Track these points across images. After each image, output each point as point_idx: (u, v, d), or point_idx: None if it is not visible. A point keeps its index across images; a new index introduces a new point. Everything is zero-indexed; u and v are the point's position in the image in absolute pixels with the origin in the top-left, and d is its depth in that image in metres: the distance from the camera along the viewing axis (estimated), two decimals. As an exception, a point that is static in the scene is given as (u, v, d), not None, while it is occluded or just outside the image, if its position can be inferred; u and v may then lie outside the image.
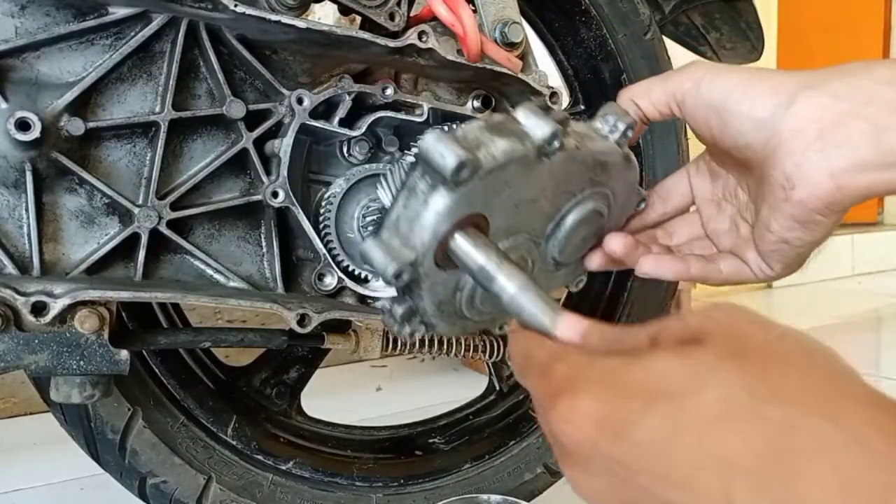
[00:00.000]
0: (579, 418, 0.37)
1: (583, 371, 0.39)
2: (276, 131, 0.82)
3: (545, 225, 0.57)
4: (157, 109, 0.76)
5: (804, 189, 0.52)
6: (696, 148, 1.21)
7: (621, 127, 0.56)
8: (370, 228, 0.84)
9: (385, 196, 0.53)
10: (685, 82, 0.57)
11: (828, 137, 0.51)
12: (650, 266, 0.63)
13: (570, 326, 0.45)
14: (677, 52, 1.26)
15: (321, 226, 0.84)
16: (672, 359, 0.37)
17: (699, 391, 0.34)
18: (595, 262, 0.65)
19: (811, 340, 0.37)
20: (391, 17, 0.84)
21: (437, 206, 0.47)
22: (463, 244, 0.49)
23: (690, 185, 0.66)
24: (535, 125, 0.50)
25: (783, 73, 0.54)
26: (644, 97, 0.60)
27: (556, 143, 0.50)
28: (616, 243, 0.63)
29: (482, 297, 0.55)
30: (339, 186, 0.85)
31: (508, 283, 0.48)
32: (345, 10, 0.85)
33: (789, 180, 0.53)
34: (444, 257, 0.50)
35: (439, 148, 0.46)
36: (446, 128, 0.49)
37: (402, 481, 1.00)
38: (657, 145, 1.11)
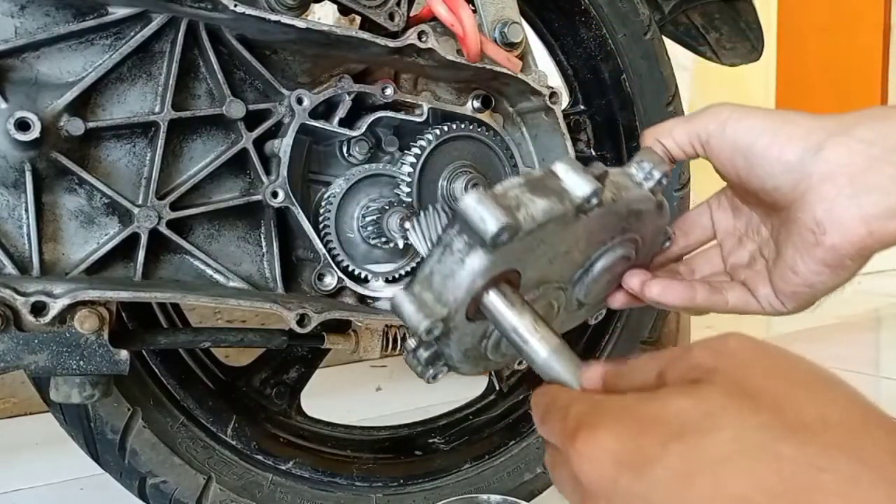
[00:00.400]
0: (600, 454, 0.38)
1: (599, 408, 0.40)
2: (275, 131, 0.82)
3: (574, 272, 0.58)
4: (157, 109, 0.76)
5: (836, 235, 0.53)
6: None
7: (657, 175, 0.56)
8: (370, 229, 0.84)
9: (418, 243, 0.53)
10: (710, 123, 0.58)
11: (858, 183, 0.51)
12: (658, 290, 0.63)
13: (592, 378, 0.46)
14: (677, 52, 1.26)
15: (321, 226, 0.84)
16: (683, 398, 0.37)
17: (714, 430, 0.35)
18: (619, 301, 0.66)
19: (821, 370, 0.37)
20: (391, 17, 0.84)
21: (473, 266, 0.48)
22: (496, 302, 0.50)
23: (712, 220, 0.67)
24: (575, 183, 0.50)
25: (810, 118, 0.55)
26: (668, 137, 0.60)
27: (595, 201, 0.50)
28: (636, 281, 0.63)
29: (508, 344, 0.55)
30: (338, 186, 0.85)
31: (541, 348, 0.48)
32: (344, 10, 0.85)
33: (820, 225, 0.53)
34: (476, 311, 0.50)
35: (479, 211, 0.46)
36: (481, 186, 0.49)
37: (401, 481, 1.00)
38: (657, 145, 1.11)
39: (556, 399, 0.45)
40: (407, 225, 0.53)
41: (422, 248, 0.53)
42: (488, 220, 0.46)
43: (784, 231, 0.57)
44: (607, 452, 0.37)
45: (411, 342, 0.53)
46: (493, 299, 0.50)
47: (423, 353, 0.54)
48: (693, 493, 0.34)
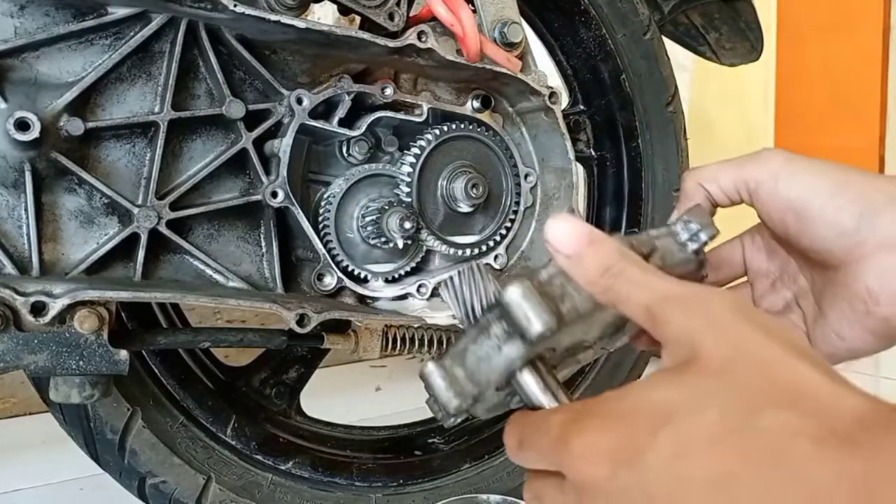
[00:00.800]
0: (593, 454, 0.38)
1: (582, 413, 0.41)
2: (275, 131, 0.82)
3: (606, 332, 0.57)
4: (157, 109, 0.76)
5: (889, 306, 0.51)
6: (695, 146, 1.21)
7: (703, 238, 0.54)
8: (369, 229, 0.84)
9: (451, 304, 0.53)
10: (761, 174, 0.55)
11: None
12: None
13: None
14: (676, 52, 1.26)
15: (320, 226, 0.84)
16: (666, 385, 0.38)
17: (699, 411, 0.36)
18: (643, 343, 0.63)
19: (790, 336, 0.39)
20: (390, 17, 0.84)
21: (511, 354, 0.47)
22: (528, 381, 0.49)
23: (744, 258, 0.64)
24: None
25: (867, 179, 0.53)
26: (712, 182, 0.58)
27: None
28: None
29: None
30: (338, 186, 0.85)
31: None
32: (344, 10, 0.85)
33: (872, 295, 0.52)
34: (507, 382, 0.50)
35: (524, 308, 0.46)
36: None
37: (401, 481, 1.00)
38: (656, 145, 1.11)
39: (529, 423, 0.45)
40: (441, 284, 0.53)
41: (455, 310, 0.53)
42: (533, 320, 0.46)
43: (830, 292, 0.55)
44: (600, 451, 0.38)
45: (430, 369, 0.53)
46: (526, 378, 0.50)
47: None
48: (687, 475, 0.35)
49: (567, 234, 0.47)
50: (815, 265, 0.58)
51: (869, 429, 0.34)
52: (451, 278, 0.52)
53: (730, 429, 0.35)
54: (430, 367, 0.49)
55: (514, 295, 0.47)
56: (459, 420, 0.53)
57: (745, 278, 0.65)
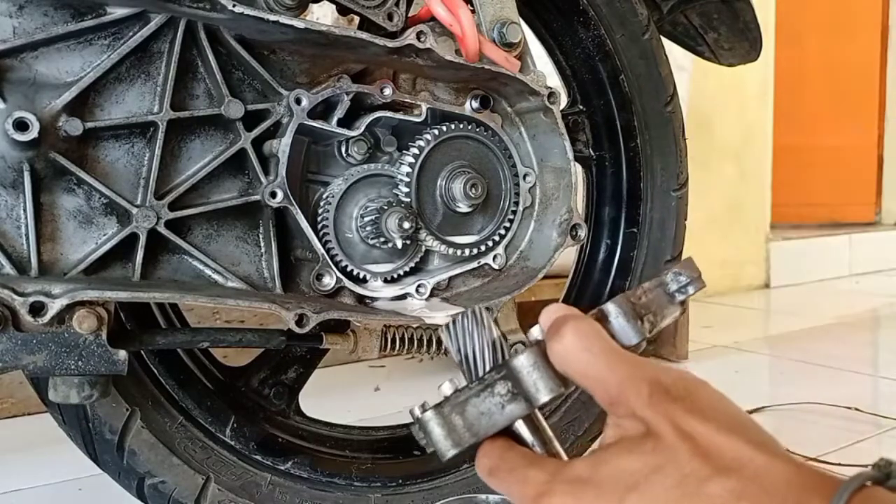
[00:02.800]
0: None
1: (558, 476, 0.47)
2: (274, 131, 0.82)
3: None
4: (156, 109, 0.76)
5: None
6: (694, 146, 1.21)
7: (691, 291, 0.57)
8: (368, 229, 0.84)
9: (452, 349, 0.55)
10: None
11: None
12: None
13: None
14: (675, 52, 1.26)
15: (319, 226, 0.84)
16: (629, 455, 0.45)
17: (660, 479, 0.43)
18: None
19: (717, 402, 0.46)
20: (389, 17, 0.84)
21: (513, 413, 0.50)
22: (522, 429, 0.52)
23: None
24: (623, 331, 0.53)
25: None
26: None
27: (641, 347, 0.53)
28: None
29: None
30: (337, 186, 0.85)
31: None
32: (343, 11, 0.85)
33: None
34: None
35: (534, 377, 0.50)
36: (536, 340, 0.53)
37: (400, 481, 1.00)
38: (655, 145, 1.11)
39: (507, 461, 0.50)
40: (442, 328, 0.55)
41: (454, 355, 0.54)
42: (542, 389, 0.50)
43: None
44: None
45: (418, 411, 0.54)
46: (520, 427, 0.52)
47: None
48: None
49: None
50: None
51: (795, 489, 0.41)
52: (452, 323, 0.55)
53: (686, 493, 0.42)
54: (429, 415, 0.51)
55: (525, 362, 0.50)
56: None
57: None
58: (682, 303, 0.58)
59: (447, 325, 0.54)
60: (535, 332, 0.53)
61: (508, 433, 0.53)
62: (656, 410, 0.45)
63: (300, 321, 0.76)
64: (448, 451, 0.51)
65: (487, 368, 0.52)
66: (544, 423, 0.53)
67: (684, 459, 0.43)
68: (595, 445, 0.49)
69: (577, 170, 0.96)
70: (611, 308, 0.54)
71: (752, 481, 0.42)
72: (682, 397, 0.46)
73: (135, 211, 0.74)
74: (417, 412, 0.52)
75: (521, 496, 0.48)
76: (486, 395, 0.51)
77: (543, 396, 0.50)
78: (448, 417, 0.51)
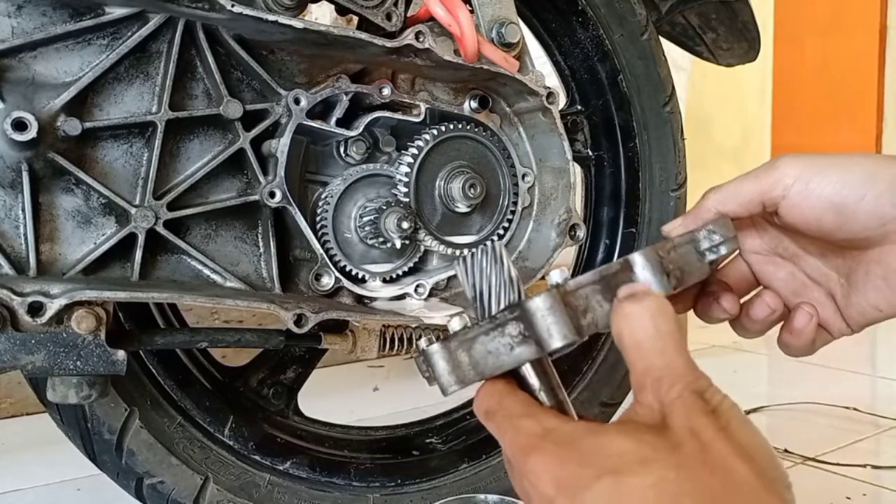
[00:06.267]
0: (543, 475, 0.44)
1: (550, 433, 0.46)
2: (273, 131, 0.81)
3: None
4: (154, 109, 0.76)
5: None
6: (692, 146, 1.21)
7: (723, 251, 0.55)
8: (367, 229, 0.84)
9: (465, 283, 0.52)
10: (785, 178, 0.57)
11: None
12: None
13: None
14: (674, 53, 1.26)
15: (318, 226, 0.84)
16: (627, 440, 0.43)
17: (641, 474, 0.41)
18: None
19: (751, 439, 0.43)
20: (388, 17, 0.84)
21: (521, 356, 0.48)
22: (528, 373, 0.50)
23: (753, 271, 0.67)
24: (647, 283, 0.51)
25: (887, 166, 0.56)
26: (731, 201, 0.60)
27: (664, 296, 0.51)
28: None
29: None
30: (336, 186, 0.85)
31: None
32: (342, 11, 0.85)
33: None
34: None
35: (548, 321, 0.47)
36: (560, 279, 0.50)
37: (399, 481, 1.00)
38: (653, 145, 1.11)
39: (504, 406, 0.49)
40: (457, 261, 0.53)
41: (467, 289, 0.52)
42: (555, 334, 0.47)
43: (862, 271, 0.60)
44: (550, 475, 0.43)
45: (424, 343, 0.52)
46: (528, 372, 0.50)
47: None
48: None
49: None
50: (841, 249, 0.61)
51: None
52: (471, 255, 0.51)
53: (658, 498, 0.39)
54: (434, 349, 0.49)
55: (541, 304, 0.47)
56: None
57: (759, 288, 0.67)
58: (712, 263, 0.55)
59: (463, 259, 0.51)
60: (555, 276, 0.50)
61: (515, 376, 0.50)
62: (680, 407, 0.43)
63: (299, 321, 0.76)
64: (450, 386, 0.49)
65: (501, 307, 0.50)
66: (552, 371, 0.51)
67: (679, 462, 0.41)
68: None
69: (576, 170, 0.96)
70: (637, 259, 0.51)
71: None
72: (714, 411, 0.43)
73: (133, 211, 0.74)
74: (423, 344, 0.50)
75: (510, 444, 0.47)
76: (495, 334, 0.48)
77: (556, 342, 0.47)
78: (454, 353, 0.49)
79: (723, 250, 0.55)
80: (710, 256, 0.55)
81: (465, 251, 0.53)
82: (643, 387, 0.45)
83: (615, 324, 0.47)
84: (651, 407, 0.45)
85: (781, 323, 0.64)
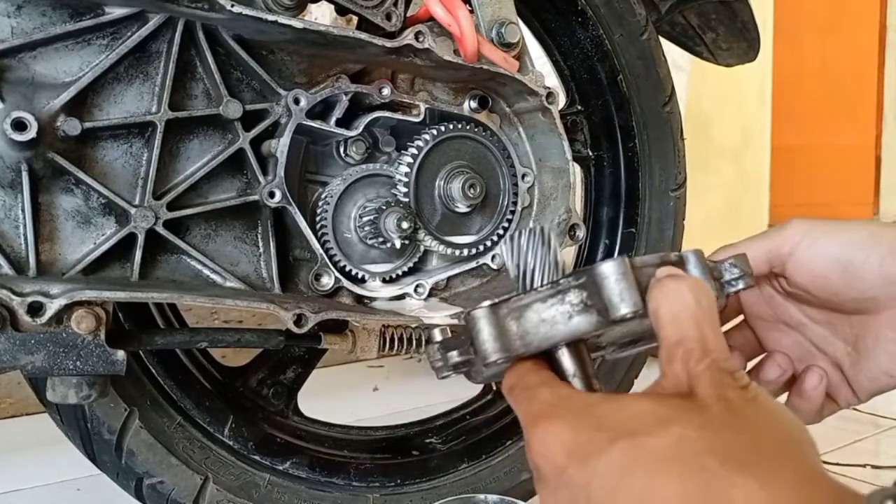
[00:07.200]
0: (553, 443, 0.42)
1: (564, 401, 0.44)
2: (272, 131, 0.81)
3: (625, 339, 0.57)
4: (154, 109, 0.76)
5: None
6: (692, 146, 1.21)
7: (741, 285, 0.56)
8: (367, 229, 0.84)
9: (510, 263, 0.51)
10: (793, 237, 0.59)
11: None
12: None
13: None
14: (673, 53, 1.26)
15: (318, 226, 0.84)
16: (645, 400, 0.41)
17: (660, 432, 0.39)
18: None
19: (781, 409, 0.42)
20: (388, 17, 0.84)
21: (579, 327, 0.46)
22: (565, 358, 0.49)
23: (740, 304, 0.67)
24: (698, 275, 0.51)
25: (891, 231, 0.57)
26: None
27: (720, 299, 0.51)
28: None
29: None
30: (336, 186, 0.85)
31: None
32: (342, 11, 0.85)
33: None
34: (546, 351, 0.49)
35: (620, 287, 0.45)
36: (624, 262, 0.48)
37: (398, 481, 1.00)
38: (653, 145, 1.11)
39: (527, 375, 0.47)
40: (504, 240, 0.52)
41: (511, 269, 0.51)
42: (626, 301, 0.45)
43: (871, 336, 0.60)
44: (561, 442, 0.41)
45: (446, 343, 0.51)
46: (564, 356, 0.48)
47: (455, 359, 0.51)
48: (625, 486, 0.38)
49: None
50: (848, 315, 0.61)
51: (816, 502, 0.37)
52: (518, 234, 0.51)
53: (676, 458, 0.37)
54: (483, 312, 0.47)
55: (612, 270, 0.46)
56: (454, 375, 0.52)
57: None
58: (728, 296, 0.56)
59: (510, 237, 0.50)
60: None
61: (550, 360, 0.49)
62: (708, 377, 0.41)
63: (298, 321, 0.76)
64: (492, 354, 0.46)
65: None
66: (590, 360, 0.49)
67: (702, 423, 0.39)
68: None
69: (576, 170, 0.96)
70: (691, 257, 0.51)
71: (754, 471, 0.37)
72: (744, 387, 0.42)
73: (133, 211, 0.74)
74: (472, 310, 0.47)
75: (525, 413, 0.45)
76: (554, 301, 0.46)
77: (625, 308, 0.45)
78: (503, 319, 0.46)
79: (740, 285, 0.56)
80: (728, 289, 0.56)
81: (510, 238, 0.52)
82: (673, 357, 0.44)
83: (653, 299, 0.46)
84: (678, 376, 0.43)
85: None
